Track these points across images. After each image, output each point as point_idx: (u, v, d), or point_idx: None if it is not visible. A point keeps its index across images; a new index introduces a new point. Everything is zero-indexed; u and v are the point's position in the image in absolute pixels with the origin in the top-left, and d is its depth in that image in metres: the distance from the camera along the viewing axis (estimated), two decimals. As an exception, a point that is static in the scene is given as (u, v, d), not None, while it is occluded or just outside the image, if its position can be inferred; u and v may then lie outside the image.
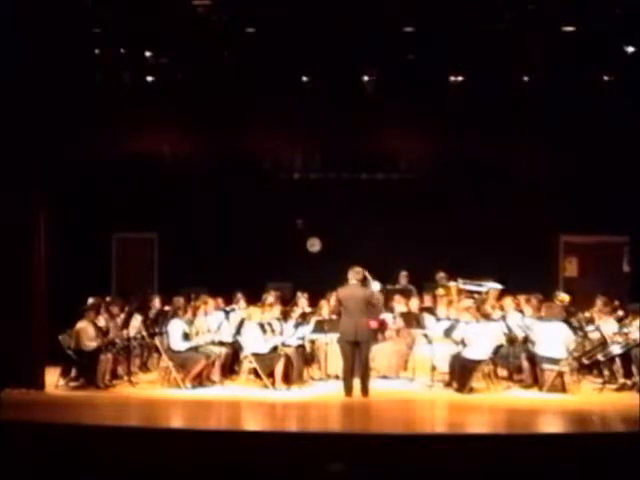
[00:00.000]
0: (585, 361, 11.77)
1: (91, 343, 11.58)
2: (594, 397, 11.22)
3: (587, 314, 12.44)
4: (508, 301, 12.47)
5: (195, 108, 13.22)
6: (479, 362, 11.29)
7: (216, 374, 11.89)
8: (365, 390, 10.96)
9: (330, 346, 12.01)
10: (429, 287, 13.79)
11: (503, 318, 12.01)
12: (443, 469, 7.96)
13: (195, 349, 11.68)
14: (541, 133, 13.38)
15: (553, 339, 11.21)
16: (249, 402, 10.96)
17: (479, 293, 12.69)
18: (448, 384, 11.63)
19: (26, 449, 8.24)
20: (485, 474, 7.88)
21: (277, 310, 12.22)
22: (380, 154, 14.72)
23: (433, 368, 11.77)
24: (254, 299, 12.80)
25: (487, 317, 11.67)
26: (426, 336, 12.11)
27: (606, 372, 11.70)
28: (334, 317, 11.72)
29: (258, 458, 8.11)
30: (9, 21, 10.36)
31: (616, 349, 11.56)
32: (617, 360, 11.64)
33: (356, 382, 11.02)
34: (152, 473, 7.90)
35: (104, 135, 13.15)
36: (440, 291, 13.09)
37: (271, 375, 11.47)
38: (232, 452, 8.24)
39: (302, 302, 13.08)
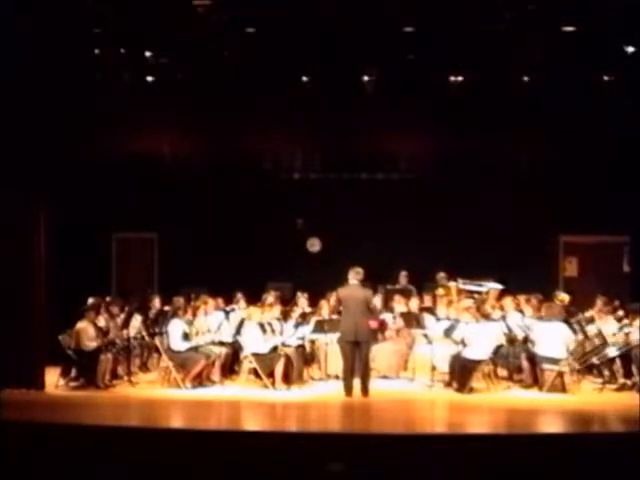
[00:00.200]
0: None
1: (91, 343, 11.58)
2: (594, 397, 11.22)
3: (587, 314, 12.43)
4: (508, 301, 12.47)
5: (195, 108, 13.25)
6: (479, 362, 11.29)
7: (216, 374, 11.89)
8: (365, 390, 10.96)
9: (330, 346, 12.01)
10: (429, 287, 13.78)
11: (503, 318, 12.00)
12: (443, 469, 7.96)
13: (195, 349, 11.67)
14: (541, 133, 13.40)
15: (553, 339, 11.21)
16: (249, 402, 10.96)
17: (479, 293, 12.69)
18: (448, 384, 11.62)
19: (26, 449, 8.24)
20: (485, 474, 7.88)
21: (277, 310, 12.22)
22: (380, 154, 14.74)
23: (433, 368, 11.77)
24: (254, 299, 12.79)
25: (487, 317, 11.67)
26: (426, 336, 12.11)
27: (606, 372, 11.70)
28: (334, 317, 11.73)
29: (258, 458, 8.11)
30: (9, 21, 10.35)
31: (616, 350, 11.54)
32: (617, 360, 11.64)
33: (356, 382, 11.02)
34: (152, 473, 7.90)
35: (104, 135, 13.18)
36: (440, 291, 13.09)
37: (271, 375, 11.47)
38: (232, 452, 8.24)
39: (302, 302, 13.07)
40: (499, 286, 12.99)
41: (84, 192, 14.75)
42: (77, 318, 11.70)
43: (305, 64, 12.44)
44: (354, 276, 11.07)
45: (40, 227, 11.61)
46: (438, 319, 12.25)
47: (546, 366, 11.27)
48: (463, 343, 11.48)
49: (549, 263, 15.85)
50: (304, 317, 12.16)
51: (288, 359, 11.51)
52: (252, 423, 10.30)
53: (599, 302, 12.72)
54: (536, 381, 11.46)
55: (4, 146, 11.10)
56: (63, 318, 11.90)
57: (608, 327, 11.95)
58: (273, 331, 11.80)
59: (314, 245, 16.22)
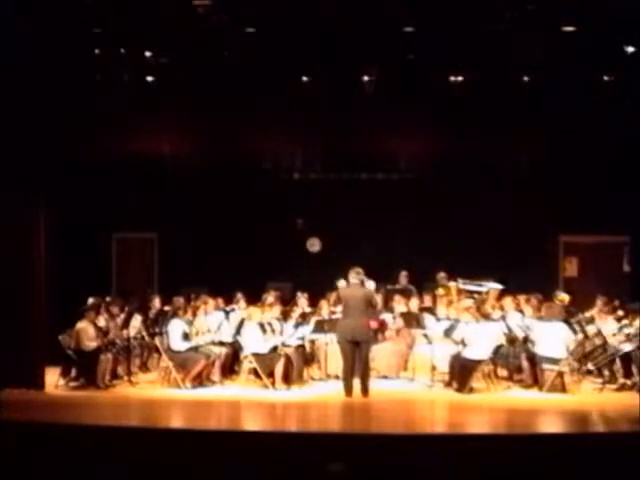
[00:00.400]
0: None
1: (91, 343, 11.58)
2: (594, 397, 11.21)
3: (587, 314, 12.43)
4: (508, 301, 12.47)
5: (195, 108, 13.24)
6: (479, 362, 11.29)
7: (216, 374, 11.89)
8: (365, 390, 10.96)
9: (330, 346, 12.01)
10: (429, 287, 13.78)
11: (503, 318, 12.00)
12: (443, 469, 7.96)
13: (195, 349, 11.67)
14: (541, 133, 13.40)
15: (553, 339, 11.21)
16: (249, 402, 10.96)
17: (479, 293, 12.68)
18: (448, 384, 11.62)
19: (26, 449, 8.24)
20: (485, 474, 7.88)
21: (277, 310, 12.22)
22: (380, 154, 14.73)
23: (433, 368, 11.77)
24: (254, 299, 12.79)
25: (487, 317, 11.67)
26: (426, 336, 12.10)
27: (606, 372, 11.70)
28: (334, 316, 11.73)
29: (258, 458, 8.11)
30: (9, 21, 10.35)
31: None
32: (617, 360, 11.63)
33: (356, 382, 11.02)
34: (152, 473, 7.90)
35: (104, 135, 13.18)
36: (440, 291, 13.09)
37: (271, 375, 11.47)
38: (232, 452, 8.24)
39: (302, 302, 13.08)
40: (499, 286, 12.99)
41: (84, 192, 14.76)
42: (77, 318, 11.70)
43: (305, 64, 12.43)
44: (354, 276, 11.08)
45: (40, 227, 11.61)
46: (438, 319, 12.25)
47: (546, 366, 11.26)
48: (463, 343, 11.48)
49: (549, 263, 15.86)
50: (304, 317, 12.16)
51: (288, 359, 11.51)
52: (252, 423, 10.30)
53: (599, 302, 12.72)
54: (536, 381, 11.46)
55: (4, 146, 11.10)
56: (63, 318, 11.90)
57: (608, 327, 11.94)
58: (273, 331, 11.80)
59: (314, 245, 16.22)
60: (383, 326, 12.77)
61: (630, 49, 11.45)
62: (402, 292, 13.72)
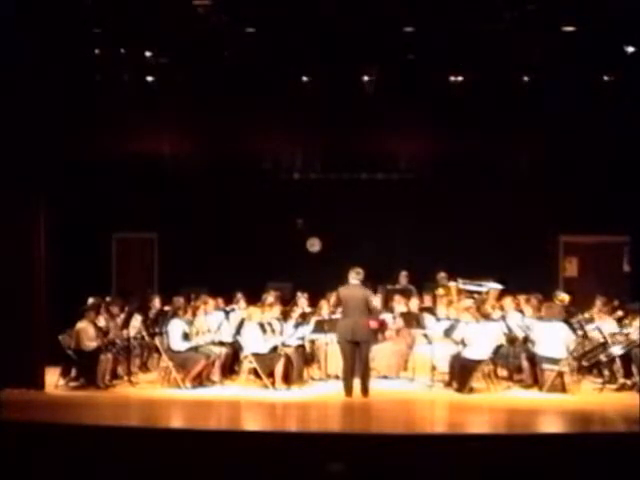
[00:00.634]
0: (585, 363, 11.76)
1: (91, 343, 11.59)
2: (594, 397, 11.21)
3: (587, 314, 12.43)
4: (508, 301, 12.47)
5: (195, 108, 13.24)
6: (479, 362, 11.29)
7: (216, 374, 11.89)
8: (365, 390, 10.96)
9: (330, 346, 12.01)
10: (429, 287, 13.78)
11: (503, 318, 12.01)
12: (443, 469, 7.96)
13: (195, 349, 11.67)
14: (541, 133, 13.40)
15: (553, 339, 11.21)
16: (249, 402, 10.96)
17: (479, 293, 12.68)
18: (448, 384, 11.62)
19: (26, 449, 8.24)
20: (485, 474, 7.88)
21: (277, 310, 12.22)
22: (380, 154, 14.73)
23: (433, 368, 11.77)
24: (254, 299, 12.80)
25: (487, 317, 11.67)
26: (426, 336, 12.10)
27: (606, 372, 11.70)
28: (334, 316, 11.73)
29: (258, 458, 8.11)
30: (9, 21, 10.35)
31: (616, 350, 11.55)
32: (617, 360, 11.63)
33: (356, 382, 11.01)
34: (152, 473, 7.90)
35: (104, 135, 13.17)
36: (440, 291, 13.09)
37: (271, 375, 11.47)
38: (232, 452, 8.24)
39: (302, 302, 13.08)
40: (499, 286, 12.99)
41: (84, 192, 14.76)
42: (77, 318, 11.70)
43: (305, 64, 12.43)
44: (354, 276, 11.08)
45: (40, 227, 11.61)
46: (438, 319, 12.25)
47: (546, 366, 11.26)
48: (463, 343, 11.48)
49: (549, 263, 15.85)
50: (304, 317, 12.16)
51: (288, 359, 11.51)
52: (252, 423, 10.30)
53: (599, 302, 12.72)
54: (536, 381, 11.46)
55: (4, 146, 11.11)
56: (63, 318, 11.90)
57: (608, 327, 11.94)
58: (273, 331, 11.80)
59: (314, 245, 16.22)
60: (383, 326, 12.77)
61: (630, 49, 11.45)
62: (402, 292, 13.72)
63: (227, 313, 12.80)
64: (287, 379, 11.52)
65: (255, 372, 11.64)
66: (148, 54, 12.08)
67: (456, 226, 15.08)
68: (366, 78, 12.71)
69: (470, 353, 11.32)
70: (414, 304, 12.95)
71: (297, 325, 12.04)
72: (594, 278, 15.52)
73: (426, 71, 12.25)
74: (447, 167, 14.79)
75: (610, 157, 13.75)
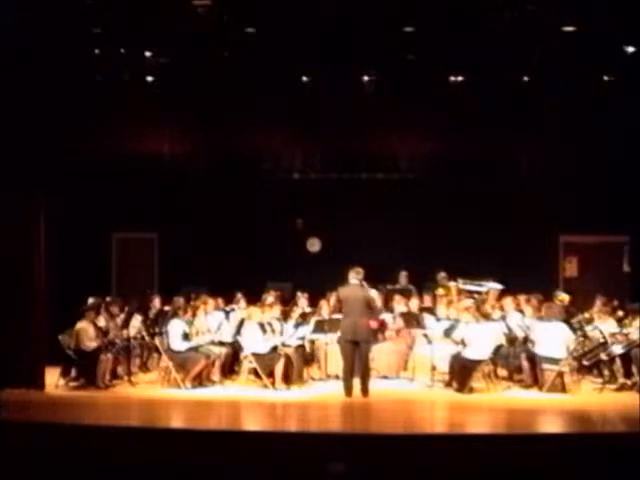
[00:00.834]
0: (586, 362, 11.77)
1: (91, 343, 11.59)
2: (594, 397, 11.22)
3: (587, 314, 12.43)
4: (508, 301, 12.48)
5: (195, 108, 13.23)
6: (479, 362, 11.29)
7: (216, 374, 11.89)
8: (365, 390, 10.96)
9: (330, 346, 12.02)
10: (429, 287, 13.78)
11: (503, 318, 12.01)
12: (443, 469, 7.97)
13: (195, 349, 11.68)
14: (541, 133, 13.39)
15: (553, 339, 11.22)
16: (249, 402, 10.97)
17: (479, 293, 12.68)
18: (448, 384, 11.63)
19: (26, 449, 8.24)
20: (485, 474, 7.88)
21: (277, 310, 12.23)
22: (380, 154, 14.71)
23: (433, 368, 11.77)
24: (254, 299, 12.80)
25: (487, 317, 11.68)
26: (426, 336, 12.11)
27: (606, 372, 11.70)
28: (334, 317, 11.73)
29: (258, 458, 8.11)
30: (9, 21, 10.35)
31: (616, 349, 11.55)
32: (617, 360, 11.63)
33: (356, 382, 11.02)
34: (152, 473, 7.90)
35: (104, 135, 13.16)
36: (440, 291, 13.09)
37: (271, 375, 11.47)
38: (232, 452, 8.24)
39: (302, 302, 13.08)
40: (499, 286, 12.99)
41: (84, 192, 14.75)
42: (77, 318, 11.70)
43: (305, 64, 12.42)
44: (354, 276, 11.08)
45: (40, 227, 11.61)
46: (438, 319, 12.26)
47: (546, 366, 11.27)
48: (463, 343, 11.48)
49: (549, 263, 15.85)
50: (304, 317, 12.17)
51: (288, 359, 11.51)
52: (252, 423, 10.31)
53: (599, 302, 12.73)
54: (536, 381, 11.46)
55: (4, 146, 11.11)
56: (63, 318, 11.90)
57: (608, 327, 11.94)
58: (273, 331, 11.81)
59: (314, 245, 16.21)
60: (383, 326, 12.78)
61: (630, 49, 11.44)
62: (402, 292, 13.73)
63: (227, 313, 12.80)
64: (287, 379, 11.53)
65: (255, 372, 11.65)
66: (148, 54, 12.07)
67: (456, 226, 15.08)
68: (366, 78, 12.71)
69: (470, 353, 11.32)
70: (414, 304, 12.96)
71: (297, 325, 12.05)
72: (594, 278, 15.51)
73: (426, 71, 12.23)
74: (447, 167, 14.77)
75: (610, 157, 13.74)
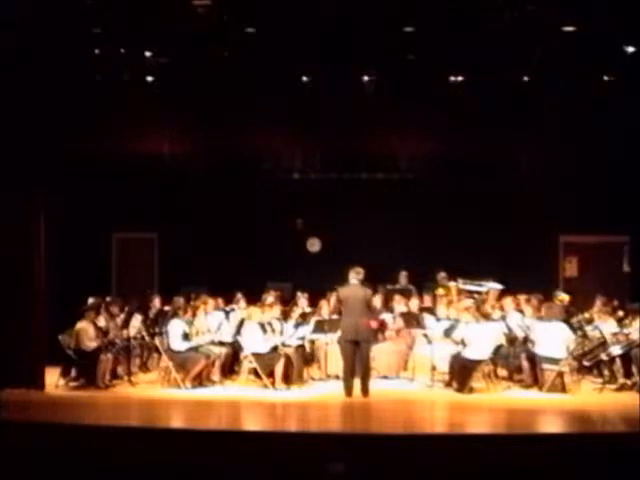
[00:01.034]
0: (586, 363, 11.77)
1: (91, 343, 11.59)
2: (594, 397, 11.22)
3: (587, 314, 12.43)
4: (508, 301, 12.48)
5: (195, 108, 13.23)
6: (479, 362, 11.29)
7: (216, 374, 11.89)
8: (365, 390, 10.96)
9: (330, 346, 12.02)
10: (429, 287, 13.78)
11: (503, 318, 12.01)
12: (443, 469, 7.97)
13: (195, 349, 11.68)
14: (541, 133, 13.39)
15: (553, 339, 11.22)
16: (249, 402, 10.97)
17: (479, 293, 12.68)
18: (448, 384, 11.63)
19: (26, 449, 8.24)
20: (485, 474, 7.88)
21: (277, 310, 12.22)
22: (380, 154, 14.71)
23: (433, 368, 11.77)
24: (254, 299, 12.80)
25: (487, 317, 11.67)
26: (426, 336, 12.11)
27: (606, 372, 11.70)
28: (334, 317, 11.73)
29: (258, 458, 8.11)
30: (9, 21, 10.35)
31: (616, 349, 11.56)
32: (617, 360, 11.63)
33: (356, 382, 11.01)
34: (152, 473, 7.90)
35: (104, 135, 13.16)
36: (440, 291, 13.08)
37: (271, 375, 11.47)
38: (232, 452, 8.24)
39: (302, 302, 13.08)
40: (499, 286, 12.99)
41: (84, 192, 14.75)
42: (77, 318, 11.70)
43: (305, 64, 12.42)
44: (354, 276, 11.09)
45: (40, 227, 11.61)
46: (438, 319, 12.26)
47: (546, 366, 11.27)
48: (463, 343, 11.48)
49: (549, 263, 15.85)
50: (304, 317, 12.17)
51: (288, 359, 11.51)
52: (252, 423, 10.31)
53: (599, 302, 12.73)
54: (536, 381, 11.46)
55: (4, 146, 11.11)
56: (63, 318, 11.90)
57: (608, 327, 11.94)
58: (273, 331, 11.81)
59: (314, 245, 16.21)
60: (383, 326, 12.78)
61: (630, 49, 11.44)
62: (402, 292, 13.72)
63: (227, 313, 12.80)
64: (287, 379, 11.53)
65: (255, 372, 11.65)
66: (148, 54, 12.07)
67: (456, 226, 15.08)
68: (366, 78, 12.71)
69: (470, 353, 11.32)
70: (414, 304, 12.96)
71: (297, 325, 12.05)
72: (594, 278, 15.51)
73: (426, 71, 12.23)
74: (447, 167, 14.77)
75: (610, 157, 13.74)
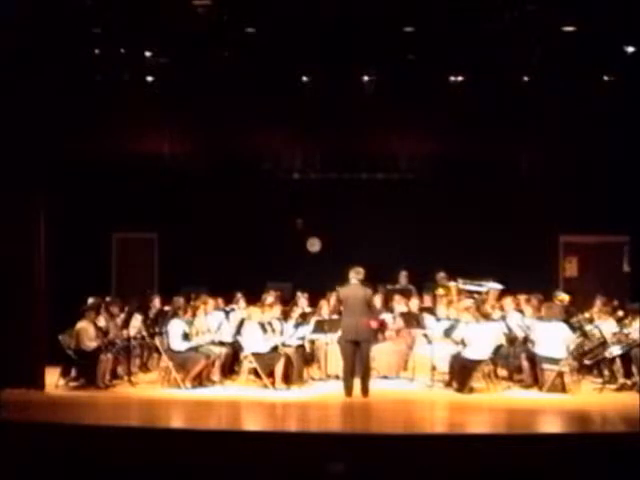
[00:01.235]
0: (587, 362, 11.77)
1: (91, 343, 11.59)
2: (594, 397, 11.22)
3: (587, 314, 12.43)
4: (508, 301, 12.48)
5: (195, 108, 13.23)
6: (479, 362, 11.29)
7: (216, 374, 11.89)
8: (365, 390, 10.96)
9: (330, 346, 12.02)
10: (429, 287, 13.78)
11: (503, 318, 12.01)
12: (443, 469, 7.97)
13: (195, 349, 11.68)
14: (541, 133, 13.40)
15: (553, 339, 11.22)
16: (249, 402, 10.96)
17: (479, 293, 12.68)
18: (448, 384, 11.63)
19: (26, 449, 8.24)
20: (485, 474, 7.88)
21: (277, 310, 12.22)
22: (380, 154, 14.72)
23: (433, 368, 11.77)
24: (254, 299, 12.80)
25: (487, 317, 11.67)
26: (426, 336, 12.11)
27: (606, 372, 11.70)
28: (334, 317, 11.73)
29: (258, 458, 8.11)
30: (9, 21, 10.35)
31: (616, 349, 11.56)
32: (617, 360, 11.63)
33: (356, 382, 11.01)
34: (152, 473, 7.90)
35: (104, 135, 13.17)
36: (440, 291, 13.08)
37: (271, 375, 11.47)
38: (232, 452, 8.24)
39: (302, 302, 13.08)
40: (499, 286, 12.99)
41: (84, 192, 14.75)
42: (77, 318, 11.70)
43: (305, 64, 12.43)
44: (354, 276, 11.08)
45: (40, 227, 11.61)
46: (438, 319, 12.26)
47: (546, 366, 11.27)
48: (463, 343, 11.48)
49: (549, 263, 15.85)
50: (304, 317, 12.17)
51: (288, 359, 11.51)
52: (252, 423, 10.31)
53: (599, 302, 12.73)
54: (536, 381, 11.46)
55: (4, 146, 11.10)
56: (63, 318, 11.90)
57: (608, 327, 11.94)
58: (273, 331, 11.81)
59: (314, 245, 16.21)
60: (383, 326, 12.78)
61: (630, 49, 11.44)
62: (402, 292, 13.72)
63: (227, 313, 12.81)
64: (287, 379, 11.53)
65: (255, 372, 11.65)
66: (148, 54, 12.07)
67: (456, 226, 15.08)
68: (366, 78, 12.71)
69: (470, 353, 11.32)
70: (414, 304, 12.96)
71: (297, 325, 12.04)
72: (594, 278, 15.51)
73: (426, 71, 12.24)
74: (447, 167, 14.78)
75: (610, 157, 13.74)
